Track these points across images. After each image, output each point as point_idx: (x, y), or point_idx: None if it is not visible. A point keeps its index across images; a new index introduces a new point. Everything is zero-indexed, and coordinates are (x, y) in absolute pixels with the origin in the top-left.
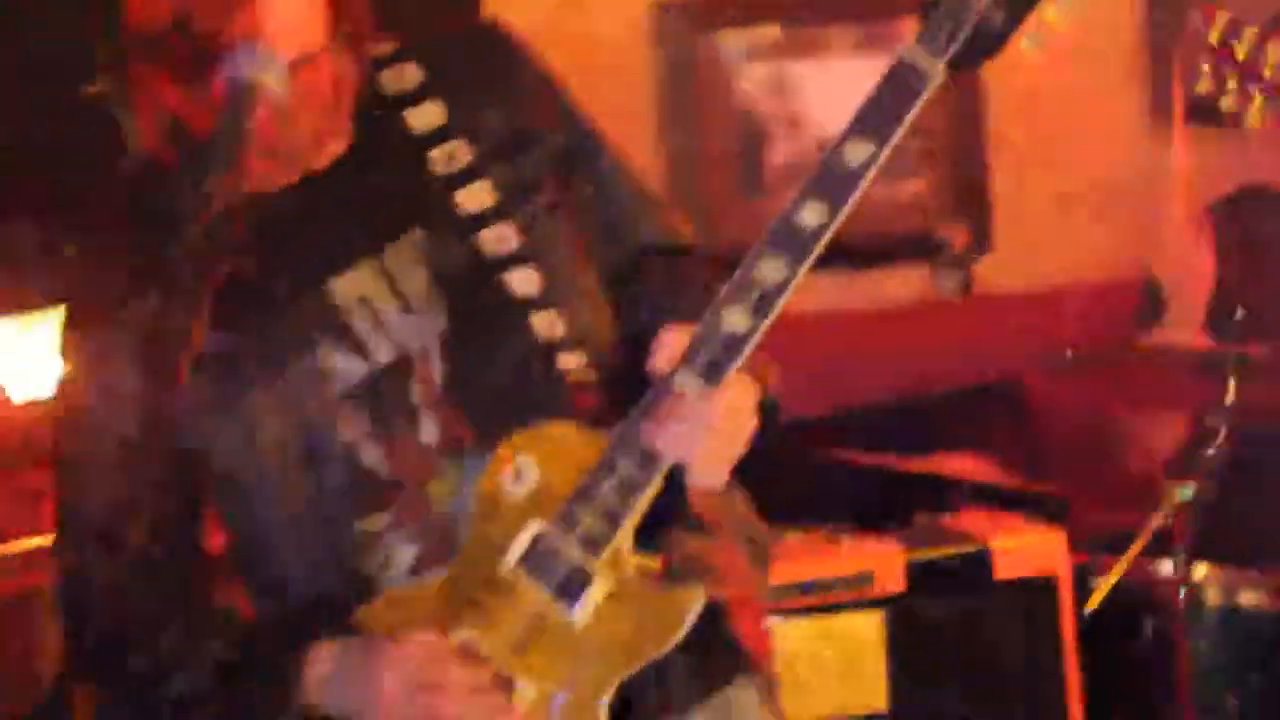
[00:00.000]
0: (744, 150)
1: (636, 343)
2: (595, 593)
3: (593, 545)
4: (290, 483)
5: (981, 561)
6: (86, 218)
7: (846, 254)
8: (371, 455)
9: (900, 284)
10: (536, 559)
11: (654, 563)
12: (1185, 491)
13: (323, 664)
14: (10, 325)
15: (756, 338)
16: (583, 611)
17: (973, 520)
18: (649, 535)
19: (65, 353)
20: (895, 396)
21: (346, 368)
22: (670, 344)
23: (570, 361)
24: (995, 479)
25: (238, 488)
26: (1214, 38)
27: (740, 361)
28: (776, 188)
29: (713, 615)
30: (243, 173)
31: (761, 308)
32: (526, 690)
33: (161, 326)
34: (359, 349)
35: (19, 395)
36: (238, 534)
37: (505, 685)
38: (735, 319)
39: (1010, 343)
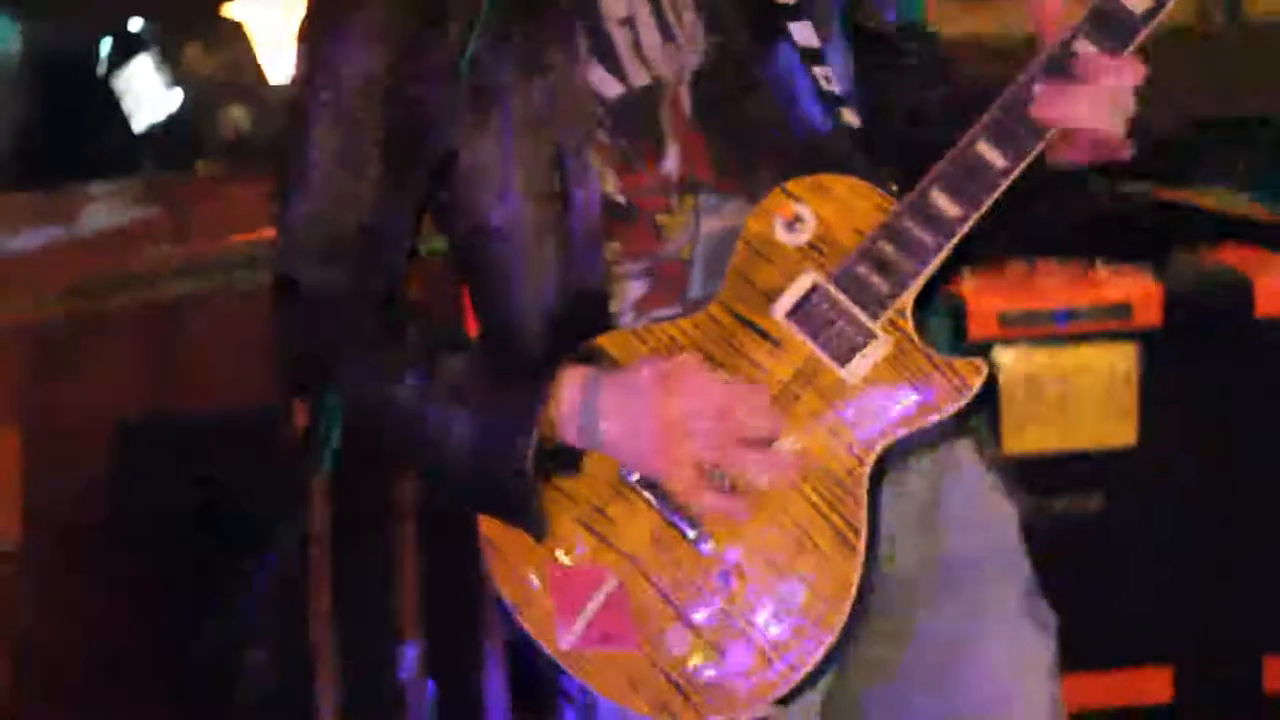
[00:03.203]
0: None
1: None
2: (873, 353)
3: (875, 304)
4: (535, 195)
5: (1242, 297)
6: None
7: None
8: (611, 179)
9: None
10: (810, 312)
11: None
12: None
13: (576, 388)
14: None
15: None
16: (858, 371)
17: (1233, 255)
18: (930, 301)
19: (311, 33)
20: (1157, 126)
21: (602, 85)
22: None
23: (851, 117)
24: (1258, 213)
25: (481, 194)
26: None
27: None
28: None
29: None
30: None
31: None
32: (787, 445)
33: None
34: (616, 69)
35: (277, 76)
36: (471, 246)
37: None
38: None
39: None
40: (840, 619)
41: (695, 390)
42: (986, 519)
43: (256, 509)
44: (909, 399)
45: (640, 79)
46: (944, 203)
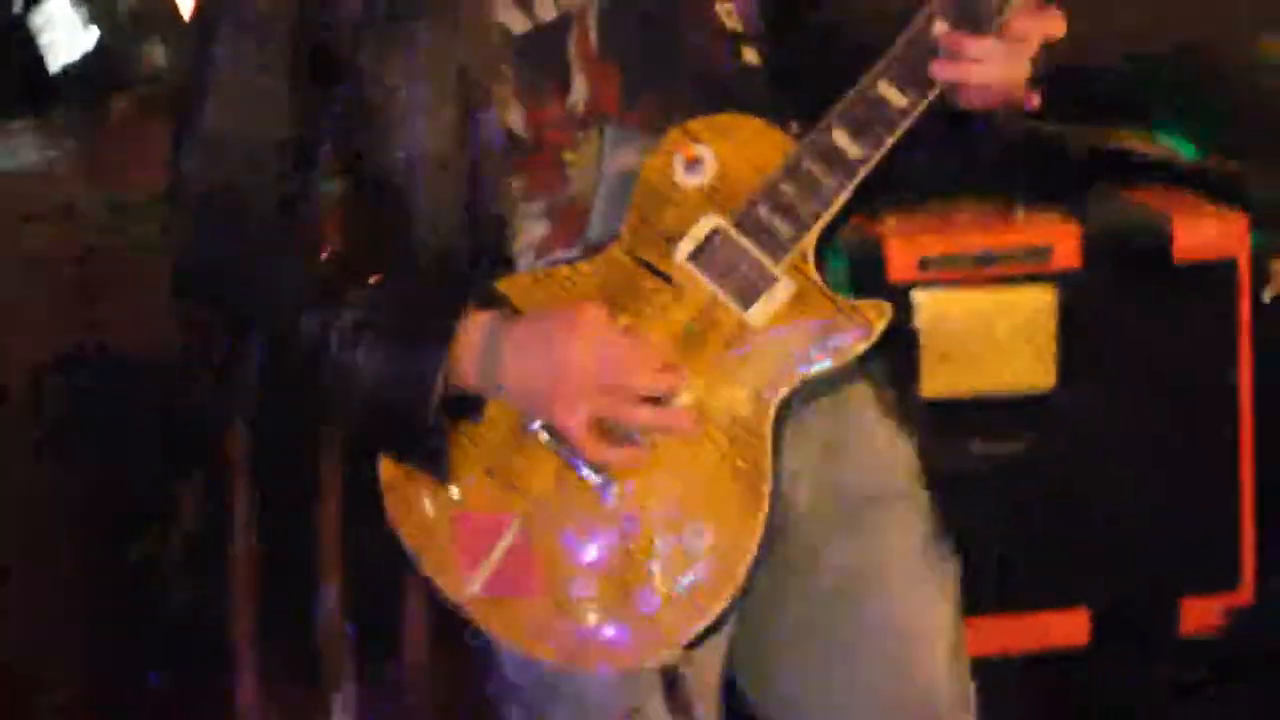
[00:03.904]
0: None
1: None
2: (776, 296)
3: (777, 247)
4: (439, 129)
5: (1160, 240)
6: None
7: None
8: (516, 114)
9: None
10: (712, 255)
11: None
12: None
13: (478, 335)
14: None
15: None
16: (761, 314)
17: (1152, 198)
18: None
19: None
20: (1073, 63)
21: (509, 20)
22: None
23: (752, 56)
24: (1178, 155)
25: (386, 126)
26: None
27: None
28: None
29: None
30: None
31: None
32: (686, 395)
33: None
34: (524, 3)
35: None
36: (374, 180)
37: None
38: None
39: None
40: (746, 563)
41: (594, 342)
42: (884, 460)
43: (175, 450)
44: (812, 341)
45: (548, 13)
46: (845, 143)
